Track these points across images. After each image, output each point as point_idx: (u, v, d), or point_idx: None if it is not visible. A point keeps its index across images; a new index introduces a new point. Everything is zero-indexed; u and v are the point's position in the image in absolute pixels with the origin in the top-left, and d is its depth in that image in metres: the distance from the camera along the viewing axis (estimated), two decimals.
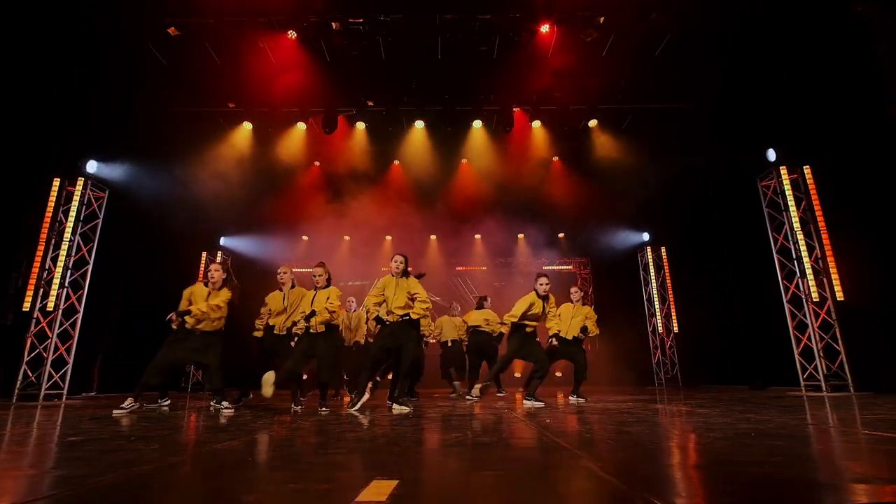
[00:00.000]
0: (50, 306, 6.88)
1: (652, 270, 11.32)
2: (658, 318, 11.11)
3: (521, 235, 13.04)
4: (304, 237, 12.72)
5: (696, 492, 1.45)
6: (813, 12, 6.58)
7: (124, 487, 1.61)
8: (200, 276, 10.17)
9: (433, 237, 13.05)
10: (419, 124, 10.72)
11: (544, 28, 8.23)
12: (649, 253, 11.44)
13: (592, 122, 10.45)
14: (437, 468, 1.85)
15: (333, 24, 8.09)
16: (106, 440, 2.72)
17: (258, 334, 6.02)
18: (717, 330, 9.35)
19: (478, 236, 13.02)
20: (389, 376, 5.71)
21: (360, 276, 12.98)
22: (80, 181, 7.30)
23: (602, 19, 8.03)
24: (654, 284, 11.23)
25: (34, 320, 6.77)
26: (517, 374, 11.48)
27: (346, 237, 13.05)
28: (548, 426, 3.19)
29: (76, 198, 7.24)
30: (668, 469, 1.85)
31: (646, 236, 11.68)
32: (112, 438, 2.81)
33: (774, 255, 7.45)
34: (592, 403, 5.22)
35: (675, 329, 10.69)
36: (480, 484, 1.58)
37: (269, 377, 4.45)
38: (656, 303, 11.16)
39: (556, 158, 11.63)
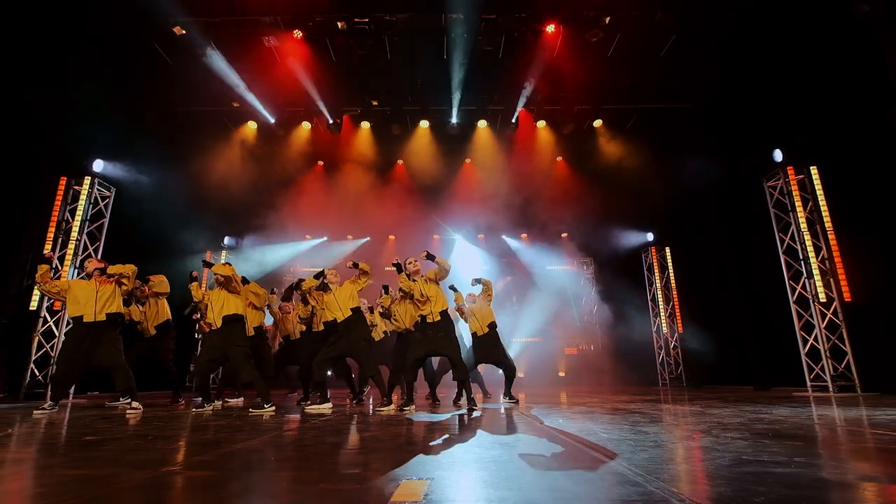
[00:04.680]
0: (57, 305, 6.87)
1: (656, 270, 11.31)
2: (662, 318, 11.10)
3: (524, 235, 13.04)
4: (307, 236, 12.72)
5: (729, 492, 1.45)
6: (820, 11, 6.57)
7: (152, 487, 1.61)
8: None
9: (436, 237, 13.05)
10: (424, 124, 10.73)
11: (550, 28, 8.23)
12: (653, 253, 11.42)
13: (597, 122, 10.45)
14: (462, 468, 1.85)
15: (339, 23, 8.10)
16: (123, 440, 2.73)
17: None
18: (721, 330, 9.34)
19: (481, 236, 13.02)
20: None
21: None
22: (87, 180, 7.28)
23: (608, 19, 8.03)
24: (658, 285, 11.23)
25: (41, 319, 6.76)
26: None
27: (349, 236, 13.06)
28: (560, 426, 3.20)
29: (83, 197, 7.23)
30: (694, 469, 1.85)
31: (650, 236, 11.67)
32: (129, 438, 2.81)
33: (781, 255, 7.44)
34: (601, 404, 5.21)
35: (679, 329, 10.69)
36: (512, 484, 1.58)
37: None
38: (660, 303, 11.15)
39: (560, 158, 11.64)
